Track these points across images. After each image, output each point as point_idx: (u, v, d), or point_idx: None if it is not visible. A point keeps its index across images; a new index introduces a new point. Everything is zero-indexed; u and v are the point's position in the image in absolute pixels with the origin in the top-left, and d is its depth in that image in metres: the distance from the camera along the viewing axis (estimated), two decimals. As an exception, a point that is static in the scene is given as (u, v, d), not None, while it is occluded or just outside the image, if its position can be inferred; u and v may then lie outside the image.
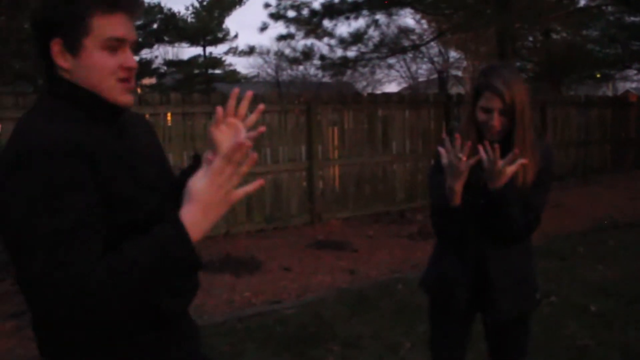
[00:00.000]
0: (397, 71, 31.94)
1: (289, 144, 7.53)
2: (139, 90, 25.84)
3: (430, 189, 2.19)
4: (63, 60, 1.25)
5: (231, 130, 1.35)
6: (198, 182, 1.14)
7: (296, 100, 7.78)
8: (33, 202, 1.11)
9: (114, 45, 1.25)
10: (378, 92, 29.22)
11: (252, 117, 1.39)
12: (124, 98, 1.29)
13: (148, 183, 1.31)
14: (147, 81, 28.84)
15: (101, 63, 1.24)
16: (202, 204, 1.14)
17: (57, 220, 1.11)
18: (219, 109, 1.35)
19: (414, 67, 31.91)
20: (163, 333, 1.36)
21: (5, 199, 1.13)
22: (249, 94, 1.35)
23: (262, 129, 1.39)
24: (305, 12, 9.88)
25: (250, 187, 1.17)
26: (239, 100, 1.35)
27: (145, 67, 28.64)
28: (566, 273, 5.25)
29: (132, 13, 1.28)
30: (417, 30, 20.36)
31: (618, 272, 5.25)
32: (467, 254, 2.16)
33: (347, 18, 9.87)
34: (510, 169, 1.93)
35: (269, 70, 30.67)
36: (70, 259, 1.10)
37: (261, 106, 1.36)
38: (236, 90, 1.37)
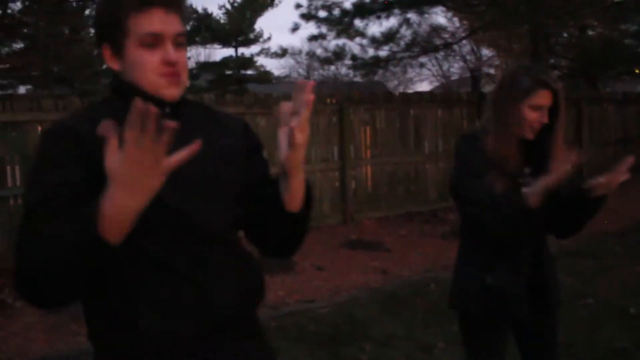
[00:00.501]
0: (429, 70, 31.68)
1: (322, 143, 7.57)
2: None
3: (479, 188, 2.01)
4: (113, 63, 1.32)
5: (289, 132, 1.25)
6: (112, 160, 1.01)
7: (328, 100, 7.81)
8: (31, 171, 1.25)
9: (151, 41, 1.27)
10: (410, 91, 29.07)
11: (304, 115, 1.20)
12: (167, 92, 1.30)
13: (177, 180, 1.14)
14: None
15: (141, 60, 1.28)
16: (119, 182, 1.03)
17: (30, 193, 1.20)
18: (282, 106, 1.24)
19: (446, 66, 31.60)
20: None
21: None
22: (300, 82, 1.20)
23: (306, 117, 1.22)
24: (336, 12, 9.90)
25: (183, 153, 1.03)
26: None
27: (178, 69, 29.02)
28: (603, 274, 5.16)
29: (168, 6, 1.28)
30: (449, 29, 20.16)
31: (657, 273, 5.14)
32: (521, 261, 2.08)
33: (379, 17, 9.85)
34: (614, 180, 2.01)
35: (301, 71, 30.80)
36: (33, 229, 1.14)
37: (311, 98, 1.20)
38: (300, 80, 1.23)
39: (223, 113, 1.51)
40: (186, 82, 1.34)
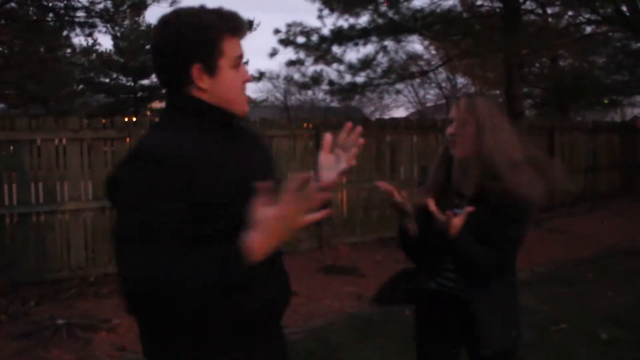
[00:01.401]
0: (405, 96, 32.10)
1: (298, 168, 7.57)
2: (148, 114, 26.11)
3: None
4: (202, 82, 1.42)
5: (335, 159, 1.63)
6: (264, 211, 1.26)
7: (305, 125, 7.84)
8: (131, 197, 1.30)
9: (238, 63, 1.46)
10: (386, 117, 29.33)
11: (355, 151, 1.63)
12: (244, 108, 1.50)
13: (245, 192, 1.33)
14: (157, 105, 29.12)
15: (232, 79, 1.45)
16: (265, 231, 1.27)
17: (146, 217, 1.27)
18: (328, 137, 1.62)
19: (421, 93, 32.07)
20: (253, 346, 1.46)
21: (115, 190, 1.33)
22: (350, 125, 1.62)
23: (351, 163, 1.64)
24: (314, 38, 9.98)
25: (317, 215, 1.30)
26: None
27: (155, 91, 28.95)
28: (575, 300, 5.21)
29: (243, 35, 1.47)
30: (425, 57, 20.50)
31: (628, 299, 5.21)
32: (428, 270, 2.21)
33: (356, 44, 9.95)
34: (457, 221, 1.92)
35: (278, 95, 30.91)
36: (154, 254, 1.26)
37: (361, 141, 1.62)
38: (349, 124, 1.64)
39: (252, 130, 1.74)
40: None
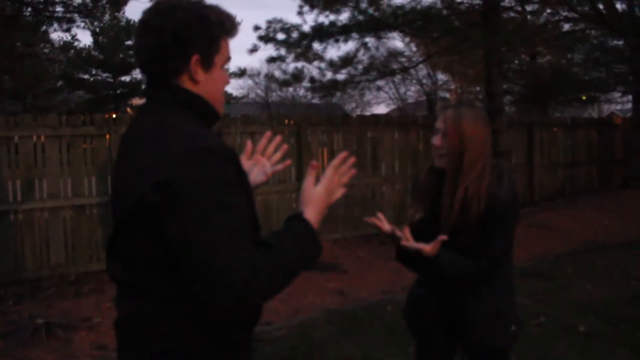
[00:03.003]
0: (386, 93, 32.23)
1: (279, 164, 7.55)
2: (129, 111, 25.86)
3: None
4: (197, 74, 1.42)
5: (258, 166, 1.75)
6: (314, 188, 1.46)
7: (286, 122, 7.83)
8: (209, 196, 1.25)
9: (227, 63, 1.49)
10: (367, 113, 29.41)
11: (278, 155, 1.79)
12: (222, 108, 1.52)
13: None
14: (137, 101, 28.85)
15: (223, 78, 1.49)
16: (318, 205, 1.45)
17: (230, 213, 1.27)
18: (249, 144, 1.76)
19: (402, 89, 32.23)
20: (250, 333, 1.49)
21: (180, 193, 1.25)
22: (268, 134, 1.77)
23: (288, 162, 1.83)
24: (295, 34, 9.95)
25: (342, 191, 1.54)
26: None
27: (135, 88, 28.69)
28: (555, 294, 5.28)
29: (234, 38, 1.51)
30: (406, 53, 20.61)
31: (607, 292, 5.29)
32: (432, 282, 2.24)
33: (337, 41, 9.94)
34: (430, 248, 1.98)
35: (259, 92, 30.85)
36: (243, 247, 1.26)
37: (282, 144, 1.74)
38: (268, 133, 1.78)
39: None
40: None
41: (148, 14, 1.41)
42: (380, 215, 2.09)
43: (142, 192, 1.28)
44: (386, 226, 2.05)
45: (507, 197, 2.06)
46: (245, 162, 1.72)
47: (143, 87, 1.50)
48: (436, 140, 2.11)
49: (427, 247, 1.98)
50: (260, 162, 1.76)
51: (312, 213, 1.44)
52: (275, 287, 1.32)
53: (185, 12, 1.39)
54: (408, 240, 2.01)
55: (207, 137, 1.35)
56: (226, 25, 1.45)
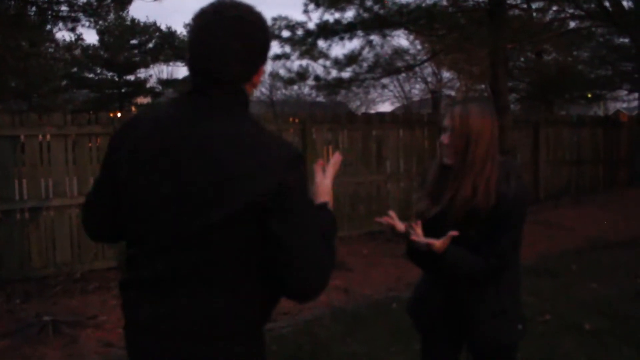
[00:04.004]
0: (391, 91, 32.19)
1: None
2: (133, 109, 25.90)
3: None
4: (258, 82, 1.57)
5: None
6: (325, 181, 1.66)
7: (291, 120, 7.83)
8: (307, 195, 1.49)
9: None
10: (372, 111, 29.38)
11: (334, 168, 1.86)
12: None
13: None
14: (141, 100, 28.92)
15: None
16: (329, 195, 1.65)
17: (314, 210, 1.53)
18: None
19: (407, 87, 32.19)
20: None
21: (290, 194, 1.41)
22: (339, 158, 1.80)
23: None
24: (300, 32, 9.96)
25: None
26: None
27: (140, 86, 28.74)
28: (560, 291, 5.27)
29: None
30: (411, 51, 20.54)
31: (612, 290, 5.28)
32: (439, 279, 2.24)
33: (342, 39, 9.94)
34: (440, 243, 1.99)
35: (263, 90, 30.85)
36: (331, 245, 1.52)
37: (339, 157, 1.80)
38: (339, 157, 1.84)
39: None
40: None
41: (240, 20, 1.45)
42: (392, 213, 2.09)
43: (255, 194, 1.38)
44: (400, 225, 2.07)
45: (515, 195, 2.06)
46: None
47: (194, 84, 1.49)
48: (445, 138, 2.11)
49: (437, 243, 1.99)
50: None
51: (329, 202, 1.64)
52: (330, 272, 1.50)
53: (265, 25, 1.53)
54: (418, 236, 2.02)
55: (291, 144, 1.55)
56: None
